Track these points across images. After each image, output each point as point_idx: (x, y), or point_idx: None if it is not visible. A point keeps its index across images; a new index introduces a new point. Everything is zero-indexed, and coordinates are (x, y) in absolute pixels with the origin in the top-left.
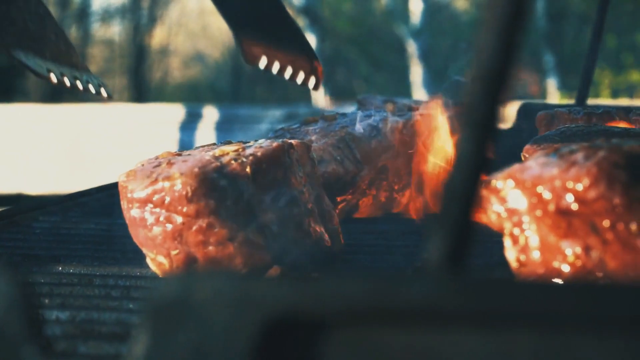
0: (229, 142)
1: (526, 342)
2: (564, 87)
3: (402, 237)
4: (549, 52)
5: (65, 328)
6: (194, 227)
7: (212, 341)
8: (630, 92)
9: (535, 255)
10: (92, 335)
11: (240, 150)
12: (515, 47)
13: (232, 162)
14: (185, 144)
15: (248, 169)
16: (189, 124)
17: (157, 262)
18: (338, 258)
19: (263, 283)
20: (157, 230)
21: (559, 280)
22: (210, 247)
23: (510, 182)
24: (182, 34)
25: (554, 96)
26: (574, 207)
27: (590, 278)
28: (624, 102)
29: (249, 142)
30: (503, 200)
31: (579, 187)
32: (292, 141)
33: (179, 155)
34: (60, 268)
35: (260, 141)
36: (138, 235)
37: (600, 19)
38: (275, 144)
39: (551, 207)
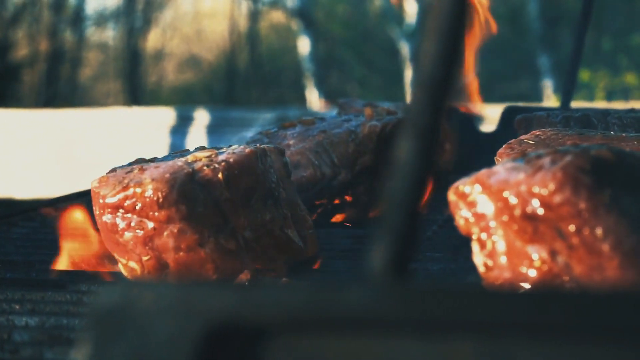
0: (203, 148)
1: (466, 350)
2: (560, 90)
3: None
4: (545, 54)
5: (33, 334)
6: (165, 233)
7: (153, 350)
8: (625, 94)
9: (502, 260)
10: (60, 341)
11: (213, 156)
12: (457, 55)
13: (204, 168)
14: (177, 147)
15: (220, 175)
16: (181, 127)
17: (128, 267)
18: (312, 263)
19: (204, 291)
20: (128, 235)
21: (525, 285)
22: (182, 253)
23: (478, 187)
24: (176, 38)
25: (550, 99)
26: (540, 212)
27: (556, 283)
28: (619, 104)
29: (222, 147)
30: (470, 205)
31: (545, 192)
32: (265, 147)
33: (152, 161)
34: (34, 274)
35: (233, 147)
36: (110, 241)
37: (584, 22)
38: (247, 150)
39: (517, 212)
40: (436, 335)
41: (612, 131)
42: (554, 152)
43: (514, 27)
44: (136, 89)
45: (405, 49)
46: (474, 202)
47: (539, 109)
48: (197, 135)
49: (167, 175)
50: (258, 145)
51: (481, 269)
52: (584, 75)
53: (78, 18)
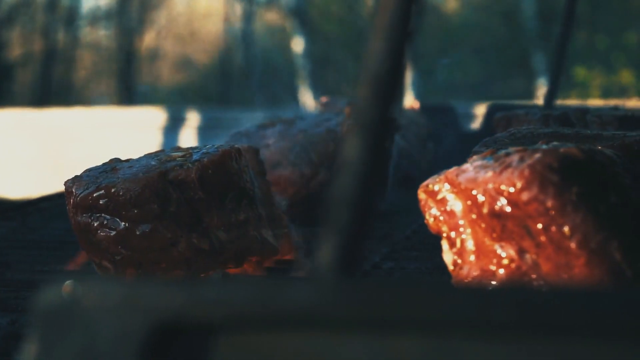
0: (178, 148)
1: (411, 347)
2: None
3: None
4: (540, 53)
5: (4, 331)
6: (138, 232)
7: (99, 348)
8: (621, 93)
9: (471, 258)
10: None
11: (187, 156)
12: (403, 54)
13: (177, 168)
14: (169, 147)
15: (193, 175)
16: (175, 128)
17: (102, 267)
18: (288, 262)
19: (150, 288)
20: (101, 235)
21: (494, 283)
22: (154, 252)
23: (447, 185)
24: (170, 39)
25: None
26: (508, 209)
27: (524, 281)
28: (614, 103)
29: (197, 147)
30: (440, 204)
31: (512, 189)
32: (240, 146)
33: (127, 161)
34: (9, 275)
35: (208, 146)
36: (84, 241)
37: (568, 22)
38: (221, 150)
39: (485, 210)
40: (381, 332)
41: (591, 129)
42: (523, 150)
43: (509, 26)
44: (130, 90)
45: None
46: (443, 200)
47: (523, 107)
48: (191, 135)
49: (140, 175)
50: (233, 145)
51: (450, 267)
52: (579, 73)
53: (72, 18)
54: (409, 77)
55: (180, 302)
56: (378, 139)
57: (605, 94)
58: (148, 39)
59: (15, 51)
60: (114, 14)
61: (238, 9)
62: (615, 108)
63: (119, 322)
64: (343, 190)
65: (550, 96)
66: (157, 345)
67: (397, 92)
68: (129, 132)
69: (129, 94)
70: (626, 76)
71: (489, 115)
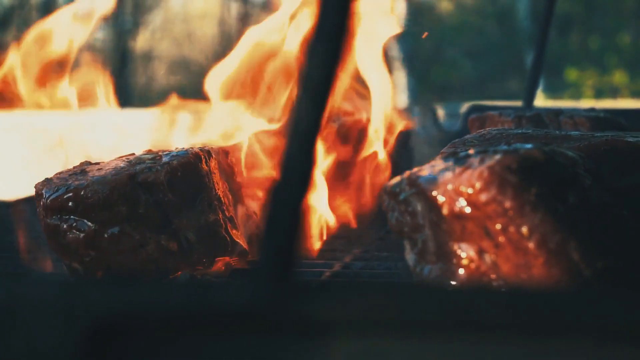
0: (149, 151)
1: (340, 346)
2: (548, 89)
3: (334, 242)
4: (534, 53)
5: None
6: (106, 234)
7: (37, 347)
8: (614, 93)
9: (432, 258)
10: None
11: (157, 158)
12: (340, 58)
13: (146, 170)
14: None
15: (162, 177)
16: (167, 129)
17: (72, 268)
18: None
19: (87, 289)
20: (70, 237)
21: (454, 283)
22: (123, 254)
23: (408, 187)
24: (166, 40)
25: (538, 97)
26: (467, 210)
27: (484, 281)
28: (607, 103)
29: (167, 150)
30: (401, 204)
31: (471, 190)
32: (211, 148)
33: (97, 164)
34: None
35: (179, 149)
36: (53, 242)
37: (546, 22)
38: (191, 153)
39: (445, 211)
40: (312, 332)
41: (562, 130)
42: (484, 151)
43: (503, 27)
44: (125, 91)
45: (394, 49)
46: (405, 201)
47: (502, 107)
48: (185, 136)
49: (108, 178)
50: (203, 147)
51: (412, 267)
52: (572, 74)
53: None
54: (403, 79)
55: (116, 303)
56: (313, 141)
57: (599, 94)
58: (143, 41)
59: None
60: (109, 16)
61: (233, 11)
62: (592, 109)
63: (56, 323)
64: (280, 191)
65: (529, 96)
66: (93, 345)
67: (331, 99)
68: (124, 134)
69: (124, 95)
70: (619, 77)
71: (466, 116)
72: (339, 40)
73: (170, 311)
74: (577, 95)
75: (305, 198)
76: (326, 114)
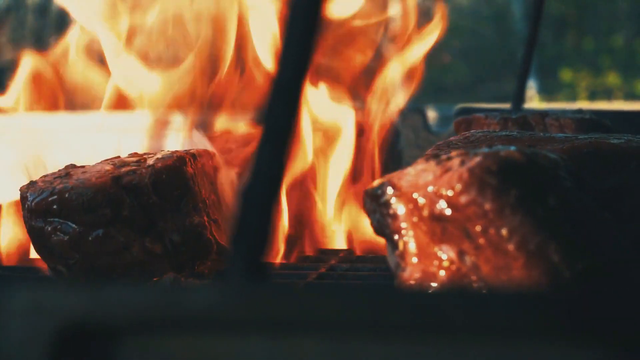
0: (135, 154)
1: (311, 349)
2: (543, 91)
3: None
4: (522, 55)
5: None
6: (91, 237)
7: (5, 350)
8: (608, 94)
9: (414, 260)
10: None
11: (142, 161)
12: (309, 59)
13: (131, 173)
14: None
15: (147, 180)
16: (157, 132)
17: (56, 271)
18: None
19: (56, 291)
20: (55, 239)
21: (435, 285)
22: (108, 256)
23: (389, 189)
24: (162, 42)
25: (534, 99)
26: (448, 212)
27: (465, 282)
28: (601, 105)
29: (152, 153)
30: (382, 207)
31: (451, 192)
32: (196, 150)
33: (82, 167)
34: None
35: (164, 151)
36: (38, 245)
37: (534, 23)
38: (175, 155)
39: (426, 213)
40: (282, 335)
41: (547, 132)
42: (464, 153)
43: (498, 28)
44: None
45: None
46: (386, 203)
47: (491, 109)
48: (175, 139)
49: (93, 180)
50: (188, 149)
51: (394, 269)
52: (566, 75)
53: (63, 21)
54: (399, 79)
55: (85, 305)
56: (285, 144)
57: (592, 96)
58: (139, 42)
59: (6, 56)
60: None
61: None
62: (579, 111)
63: (25, 325)
64: (251, 194)
65: (517, 98)
66: (62, 348)
67: (304, 99)
68: (119, 136)
69: (120, 97)
70: (612, 78)
71: (455, 118)
72: (309, 43)
73: (136, 313)
74: (572, 97)
75: (277, 199)
76: (300, 114)
